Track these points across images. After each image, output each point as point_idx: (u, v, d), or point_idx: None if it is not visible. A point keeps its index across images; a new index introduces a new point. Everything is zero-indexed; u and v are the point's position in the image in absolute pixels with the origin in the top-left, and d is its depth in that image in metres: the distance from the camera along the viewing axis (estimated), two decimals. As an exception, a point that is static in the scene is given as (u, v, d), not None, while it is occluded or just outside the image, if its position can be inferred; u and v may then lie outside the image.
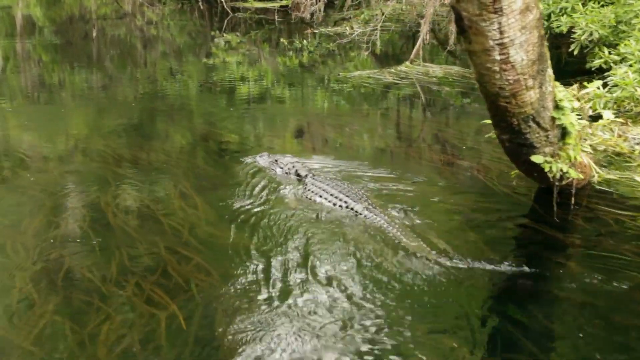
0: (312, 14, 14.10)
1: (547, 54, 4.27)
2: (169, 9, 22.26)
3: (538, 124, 4.44)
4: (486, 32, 3.94)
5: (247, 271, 4.40)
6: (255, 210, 5.32)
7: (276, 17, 17.47)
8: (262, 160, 6.27)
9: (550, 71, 4.34)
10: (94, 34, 17.69)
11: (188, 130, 8.06)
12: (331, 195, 5.31)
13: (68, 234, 5.05)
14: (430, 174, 6.13)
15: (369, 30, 10.95)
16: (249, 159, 6.49)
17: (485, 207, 5.35)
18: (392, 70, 10.66)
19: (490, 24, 3.89)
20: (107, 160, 6.69)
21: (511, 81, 4.14)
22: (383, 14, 12.35)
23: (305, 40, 14.74)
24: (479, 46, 4.05)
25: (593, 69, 8.38)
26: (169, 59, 14.06)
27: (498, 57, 4.02)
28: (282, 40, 15.17)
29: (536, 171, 4.90)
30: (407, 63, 10.92)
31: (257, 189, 5.76)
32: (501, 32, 3.91)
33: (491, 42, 3.98)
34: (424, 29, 10.18)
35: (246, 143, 7.42)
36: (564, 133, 4.62)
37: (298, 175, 5.86)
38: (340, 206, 5.18)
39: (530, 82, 4.18)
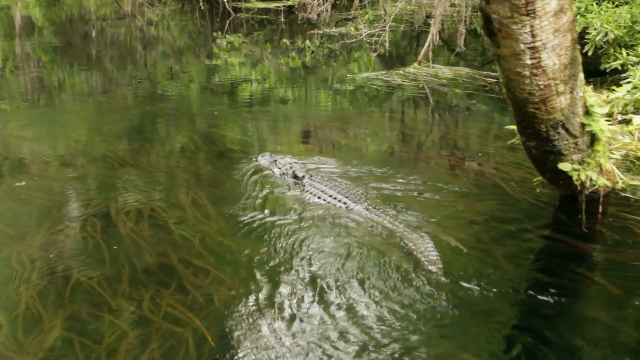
0: (318, 15, 13.88)
1: (580, 58, 4.09)
2: (169, 10, 22.06)
3: (567, 130, 4.26)
4: (517, 35, 3.76)
5: (265, 283, 4.21)
6: (260, 215, 5.17)
7: (282, 17, 17.26)
8: (264, 160, 6.24)
9: (581, 76, 4.16)
10: (94, 35, 17.47)
11: (191, 132, 7.86)
12: (329, 196, 5.22)
13: (75, 244, 4.86)
14: (444, 179, 5.94)
15: (377, 31, 10.71)
16: (252, 160, 6.44)
17: (505, 215, 5.14)
18: (401, 71, 10.47)
19: (521, 27, 3.71)
20: (111, 165, 6.51)
21: (541, 86, 3.96)
22: (391, 15, 12.15)
23: (308, 41, 14.57)
24: (509, 50, 3.87)
25: (608, 70, 8.22)
26: (170, 59, 13.87)
27: (529, 62, 3.84)
28: (284, 40, 15.01)
29: (562, 179, 4.72)
30: (415, 64, 10.73)
31: (258, 192, 5.65)
32: (533, 36, 3.73)
33: (522, 46, 3.80)
34: (434, 29, 9.98)
35: (250, 145, 7.27)
36: (593, 140, 4.44)
37: (295, 176, 5.79)
38: (339, 207, 5.09)
39: (561, 88, 4.00)
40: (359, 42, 13.37)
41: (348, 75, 10.59)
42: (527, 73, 3.90)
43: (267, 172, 6.14)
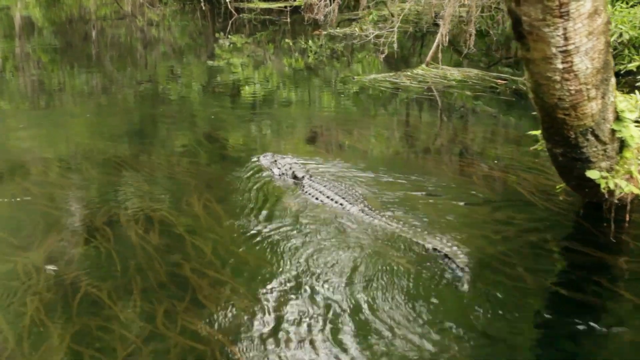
0: (325, 16, 13.70)
1: (612, 62, 3.93)
2: (170, 10, 21.85)
3: (597, 137, 4.10)
4: (549, 38, 3.59)
5: (279, 294, 4.05)
6: (262, 220, 5.06)
7: (288, 18, 17.07)
8: (265, 160, 6.19)
9: (613, 80, 4.00)
10: (94, 36, 17.29)
11: (195, 135, 7.71)
12: (327, 197, 5.18)
13: (84, 254, 4.69)
14: (459, 185, 5.78)
15: (385, 32, 10.54)
16: (254, 160, 6.38)
17: (525, 224, 4.94)
18: (409, 73, 10.30)
19: (554, 30, 3.54)
20: (116, 170, 6.34)
21: (572, 92, 3.80)
22: (399, 15, 11.98)
23: (310, 41, 14.41)
24: (539, 54, 3.70)
25: (622, 72, 8.07)
26: (171, 60, 13.70)
27: (560, 66, 3.68)
28: (286, 41, 14.86)
29: (588, 187, 4.56)
30: (423, 65, 10.56)
31: (259, 194, 5.60)
32: (566, 39, 3.56)
33: (553, 50, 3.63)
34: (443, 30, 9.81)
35: (255, 148, 7.13)
36: (622, 146, 4.27)
37: (295, 176, 5.74)
38: (335, 208, 5.05)
39: (592, 93, 3.83)
40: (362, 42, 13.22)
41: (355, 76, 10.42)
42: (557, 78, 3.73)
43: (268, 172, 6.07)
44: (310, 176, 5.68)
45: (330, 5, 12.87)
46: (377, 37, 10.79)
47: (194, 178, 6.06)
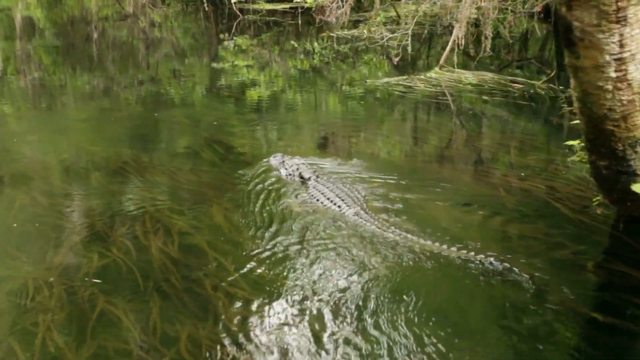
0: (337, 18, 13.45)
1: (667, 70, 3.68)
2: (172, 11, 21.60)
3: (646, 149, 3.86)
4: (603, 45, 3.36)
5: (317, 316, 3.81)
6: (277, 231, 4.88)
7: (299, 20, 16.84)
8: (274, 161, 6.19)
9: (667, 90, 3.75)
10: (96, 36, 17.04)
11: (202, 139, 7.44)
12: (327, 198, 5.19)
13: (99, 269, 4.43)
14: (483, 195, 5.53)
15: (398, 35, 10.30)
16: (264, 163, 6.30)
17: (558, 238, 4.66)
18: (422, 76, 10.05)
19: (609, 36, 3.31)
20: (127, 178, 6.10)
21: (625, 102, 3.56)
22: (414, 17, 11.74)
23: (316, 43, 14.20)
24: (590, 62, 3.47)
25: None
26: (175, 62, 13.44)
27: (613, 75, 3.44)
28: (292, 42, 14.63)
29: (631, 200, 4.32)
30: (437, 69, 10.32)
31: (269, 199, 5.49)
32: (621, 46, 3.33)
33: (607, 57, 3.40)
34: (459, 33, 9.57)
35: (266, 153, 6.85)
36: (671, 159, 4.04)
37: (302, 177, 5.75)
38: (334, 210, 5.06)
39: (645, 103, 3.60)
40: (374, 46, 12.96)
41: (367, 80, 10.16)
42: (609, 87, 3.50)
43: (276, 173, 6.04)
44: (317, 177, 5.69)
45: (343, 7, 12.58)
46: (391, 39, 10.49)
47: (210, 188, 5.84)
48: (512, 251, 4.45)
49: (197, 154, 6.90)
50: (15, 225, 5.09)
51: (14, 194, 5.65)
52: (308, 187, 5.54)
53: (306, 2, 14.71)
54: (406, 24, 12.29)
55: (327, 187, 5.35)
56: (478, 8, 9.65)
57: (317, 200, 5.25)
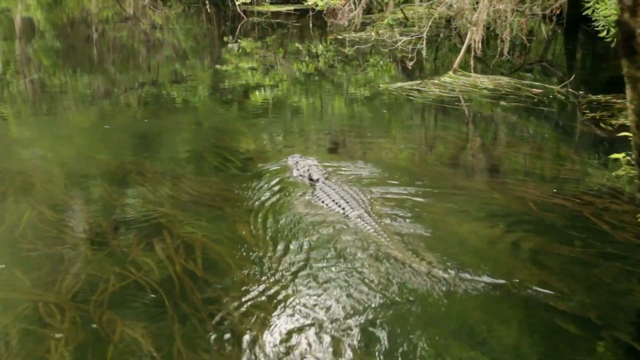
0: (349, 21, 13.17)
1: None
2: (174, 12, 21.29)
3: None
4: (670, 55, 3.07)
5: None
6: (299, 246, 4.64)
7: (310, 23, 16.57)
8: (291, 161, 6.22)
9: None
10: (97, 38, 16.74)
11: (209, 145, 7.23)
12: (332, 200, 5.18)
13: (116, 290, 4.13)
14: (512, 208, 5.24)
15: (413, 38, 10.02)
16: (282, 161, 6.34)
17: (601, 258, 4.39)
18: (436, 81, 9.77)
19: (678, 45, 3.03)
20: (139, 190, 5.80)
21: (688, 116, 3.28)
22: (429, 20, 11.46)
23: (321, 45, 13.96)
24: (654, 72, 3.18)
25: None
26: (176, 64, 13.15)
27: (679, 87, 3.16)
28: (297, 45, 14.38)
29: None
30: (451, 73, 10.05)
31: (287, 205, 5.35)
32: (691, 56, 3.04)
33: (674, 68, 3.11)
34: (476, 37, 9.30)
35: (272, 157, 6.71)
36: None
37: (311, 179, 5.75)
38: (337, 212, 5.05)
39: None
40: (381, 48, 12.71)
41: (380, 85, 9.88)
42: (674, 100, 3.22)
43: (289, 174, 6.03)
44: (326, 179, 5.68)
45: (355, 9, 12.29)
46: (407, 43, 10.21)
47: (220, 196, 5.55)
48: (548, 271, 4.18)
49: (205, 160, 6.68)
50: (22, 243, 4.77)
51: (20, 208, 5.33)
52: (315, 188, 5.52)
53: (317, 5, 14.41)
54: (419, 27, 12.00)
55: (333, 189, 5.31)
56: (495, 11, 9.34)
57: (323, 202, 5.24)
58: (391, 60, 12.62)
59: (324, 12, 14.82)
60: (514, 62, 11.70)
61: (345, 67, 12.14)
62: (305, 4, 15.32)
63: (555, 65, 12.07)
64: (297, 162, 6.12)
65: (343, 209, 5.05)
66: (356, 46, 13.59)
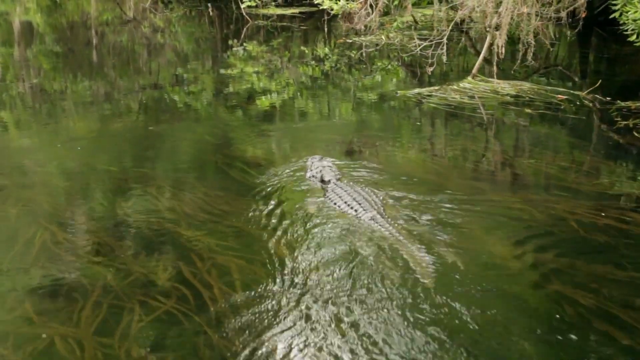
0: (366, 26, 12.83)
1: None
2: (176, 15, 20.92)
3: None
4: None
5: None
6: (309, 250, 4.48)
7: (325, 27, 16.26)
8: (309, 161, 6.16)
9: None
10: (98, 42, 16.38)
11: (216, 150, 7.01)
12: (345, 202, 5.11)
13: (144, 320, 3.76)
14: (551, 227, 4.88)
15: (433, 43, 9.68)
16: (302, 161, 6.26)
17: None
18: (455, 86, 9.43)
19: None
20: (153, 205, 5.45)
21: None
22: (450, 23, 11.13)
23: (327, 49, 13.65)
24: None
25: None
26: (179, 68, 12.80)
27: None
28: (302, 48, 14.08)
29: None
30: (469, 78, 9.72)
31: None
32: None
33: None
34: (499, 41, 8.96)
35: (281, 163, 6.47)
36: None
37: (322, 180, 5.70)
38: (349, 214, 4.99)
39: None
40: (400, 53, 12.37)
41: (398, 91, 9.54)
42: None
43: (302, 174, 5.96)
44: (337, 180, 5.61)
45: (372, 13, 11.94)
46: (426, 48, 9.86)
47: (240, 215, 5.18)
48: (601, 302, 3.84)
49: (216, 170, 6.41)
50: (35, 268, 4.39)
51: (31, 230, 4.93)
52: (327, 190, 5.46)
53: (332, 9, 14.09)
54: (438, 30, 11.67)
55: (345, 191, 5.24)
56: (518, 14, 9.01)
57: (335, 203, 5.18)
58: (400, 63, 12.32)
59: (339, 16, 14.48)
60: (528, 67, 11.36)
61: (355, 71, 11.81)
62: (320, 7, 14.97)
63: (571, 70, 11.77)
64: (312, 162, 6.05)
65: (355, 210, 4.97)
66: (364, 50, 13.30)
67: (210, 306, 3.85)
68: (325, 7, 14.20)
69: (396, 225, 4.72)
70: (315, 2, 15.18)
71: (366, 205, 4.98)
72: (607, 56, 12.88)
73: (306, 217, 5.01)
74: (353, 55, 13.06)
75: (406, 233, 4.61)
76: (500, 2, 8.76)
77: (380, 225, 4.71)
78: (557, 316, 3.72)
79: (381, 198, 5.21)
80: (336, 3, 13.93)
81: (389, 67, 12.16)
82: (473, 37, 14.49)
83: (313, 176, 5.83)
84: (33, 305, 3.93)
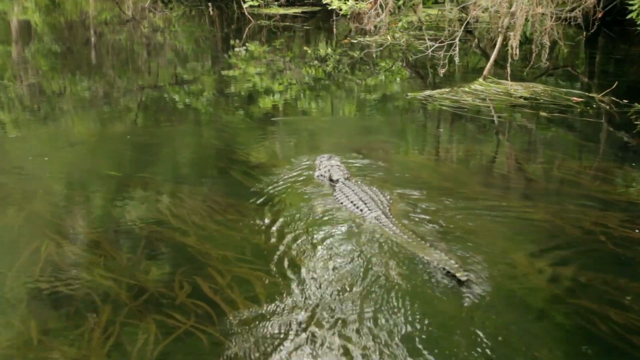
0: (375, 26, 12.59)
1: None
2: (175, 15, 20.65)
3: None
4: None
5: None
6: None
7: (335, 28, 16.04)
8: (317, 161, 6.12)
9: None
10: (97, 41, 16.12)
11: (221, 154, 6.83)
12: (351, 202, 5.11)
13: (162, 342, 3.50)
14: (574, 239, 4.65)
15: (444, 44, 9.44)
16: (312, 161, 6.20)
17: None
18: (466, 88, 9.21)
19: None
20: (154, 209, 5.22)
21: None
22: (463, 24, 10.90)
23: (331, 49, 13.43)
24: None
25: None
26: (180, 69, 12.56)
27: None
28: (304, 48, 13.85)
29: None
30: (481, 80, 9.50)
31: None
32: None
33: None
34: (513, 42, 8.74)
35: (288, 166, 6.26)
36: None
37: (331, 179, 5.68)
38: (355, 213, 4.99)
39: None
40: (412, 55, 12.15)
41: (409, 93, 9.31)
42: None
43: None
44: (345, 180, 5.58)
45: (382, 13, 11.70)
46: (438, 49, 9.62)
47: (248, 222, 4.94)
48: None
49: (220, 172, 6.26)
50: (41, 283, 4.13)
51: (35, 242, 4.66)
52: (335, 189, 5.45)
53: (341, 10, 13.85)
54: (449, 31, 11.44)
55: (353, 190, 5.23)
56: (532, 15, 8.78)
57: (342, 203, 5.18)
58: (404, 64, 12.12)
59: (348, 16, 14.25)
60: (535, 68, 11.15)
61: (360, 72, 11.60)
62: (329, 7, 14.74)
63: (580, 71, 11.57)
64: (321, 162, 6.02)
65: (361, 210, 4.97)
66: (369, 50, 13.09)
67: (235, 324, 3.60)
68: (334, 7, 13.95)
69: (400, 224, 4.69)
70: (324, 2, 14.92)
71: (372, 205, 4.96)
72: (616, 57, 12.70)
73: (316, 221, 4.92)
74: (356, 56, 12.85)
75: (411, 233, 4.56)
76: (514, 2, 8.51)
77: (383, 225, 4.69)
78: (586, 332, 3.51)
79: (388, 198, 5.18)
80: (345, 3, 13.69)
81: (395, 68, 11.95)
82: (477, 37, 14.29)
83: (322, 175, 5.81)
84: (39, 325, 3.67)
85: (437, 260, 4.15)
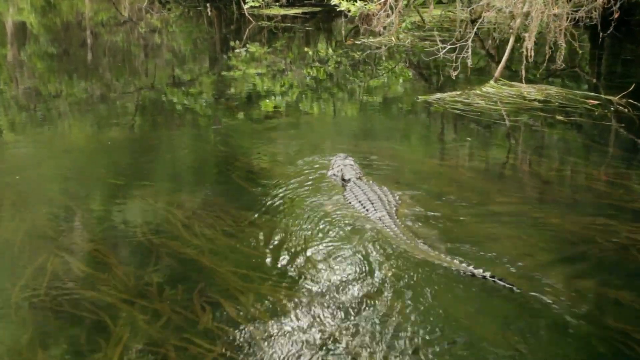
0: (385, 27, 12.34)
1: None
2: (173, 15, 20.36)
3: None
4: None
5: None
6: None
7: (343, 31, 15.79)
8: (332, 160, 6.11)
9: None
10: (93, 43, 15.85)
11: (225, 158, 6.67)
12: (359, 201, 5.12)
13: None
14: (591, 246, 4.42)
15: (457, 46, 9.19)
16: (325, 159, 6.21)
17: None
18: (478, 91, 8.97)
19: None
20: (158, 218, 4.97)
21: None
22: (476, 24, 10.66)
23: (330, 49, 13.21)
24: None
25: None
26: (180, 70, 12.35)
27: None
28: (305, 49, 13.64)
29: None
30: (492, 82, 9.26)
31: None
32: None
33: None
34: (528, 44, 8.50)
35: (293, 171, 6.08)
36: None
37: (343, 178, 5.68)
38: (362, 212, 5.01)
39: None
40: (424, 57, 11.90)
41: (419, 96, 9.06)
42: None
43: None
44: (357, 179, 5.57)
45: (392, 14, 11.44)
46: (451, 51, 9.37)
47: (258, 232, 4.71)
48: None
49: (228, 180, 6.03)
50: (47, 302, 3.85)
51: (41, 258, 4.37)
52: (345, 188, 5.47)
53: (349, 12, 13.62)
54: (460, 33, 11.21)
55: (362, 190, 5.23)
56: (547, 16, 8.54)
57: (350, 202, 5.20)
58: (406, 65, 11.89)
59: (357, 17, 14.01)
60: (544, 70, 10.90)
61: (366, 75, 11.39)
62: (338, 9, 14.51)
63: (588, 71, 11.37)
64: (335, 161, 6.01)
65: (367, 210, 4.98)
66: (373, 51, 12.86)
67: (264, 348, 3.33)
68: (342, 8, 13.71)
69: (402, 226, 4.70)
70: (332, 3, 14.70)
71: (378, 205, 4.97)
72: (625, 57, 12.51)
73: (327, 226, 4.84)
74: (358, 57, 12.66)
75: (411, 234, 4.56)
76: (529, 3, 8.27)
77: (385, 225, 4.70)
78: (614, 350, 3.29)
79: (397, 198, 5.17)
80: (353, 4, 13.45)
81: (400, 69, 11.73)
82: (481, 38, 14.07)
83: (334, 174, 5.82)
84: (48, 356, 3.38)
85: (437, 261, 4.17)
